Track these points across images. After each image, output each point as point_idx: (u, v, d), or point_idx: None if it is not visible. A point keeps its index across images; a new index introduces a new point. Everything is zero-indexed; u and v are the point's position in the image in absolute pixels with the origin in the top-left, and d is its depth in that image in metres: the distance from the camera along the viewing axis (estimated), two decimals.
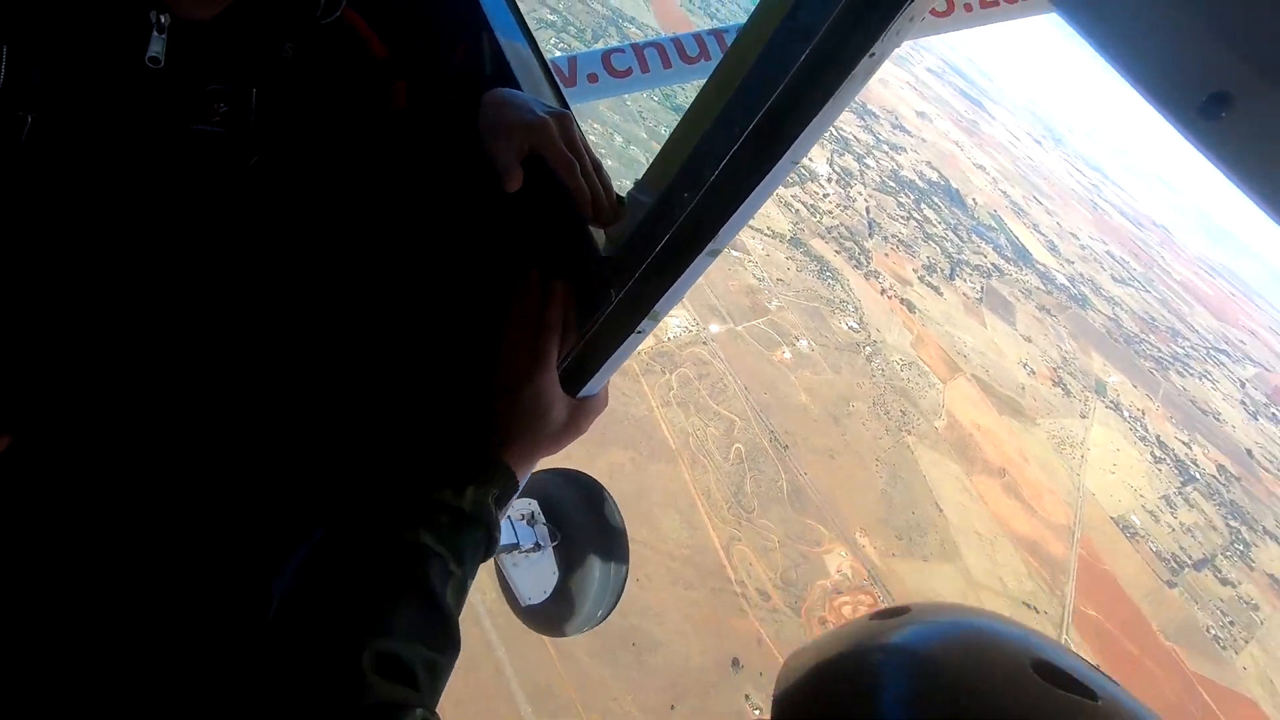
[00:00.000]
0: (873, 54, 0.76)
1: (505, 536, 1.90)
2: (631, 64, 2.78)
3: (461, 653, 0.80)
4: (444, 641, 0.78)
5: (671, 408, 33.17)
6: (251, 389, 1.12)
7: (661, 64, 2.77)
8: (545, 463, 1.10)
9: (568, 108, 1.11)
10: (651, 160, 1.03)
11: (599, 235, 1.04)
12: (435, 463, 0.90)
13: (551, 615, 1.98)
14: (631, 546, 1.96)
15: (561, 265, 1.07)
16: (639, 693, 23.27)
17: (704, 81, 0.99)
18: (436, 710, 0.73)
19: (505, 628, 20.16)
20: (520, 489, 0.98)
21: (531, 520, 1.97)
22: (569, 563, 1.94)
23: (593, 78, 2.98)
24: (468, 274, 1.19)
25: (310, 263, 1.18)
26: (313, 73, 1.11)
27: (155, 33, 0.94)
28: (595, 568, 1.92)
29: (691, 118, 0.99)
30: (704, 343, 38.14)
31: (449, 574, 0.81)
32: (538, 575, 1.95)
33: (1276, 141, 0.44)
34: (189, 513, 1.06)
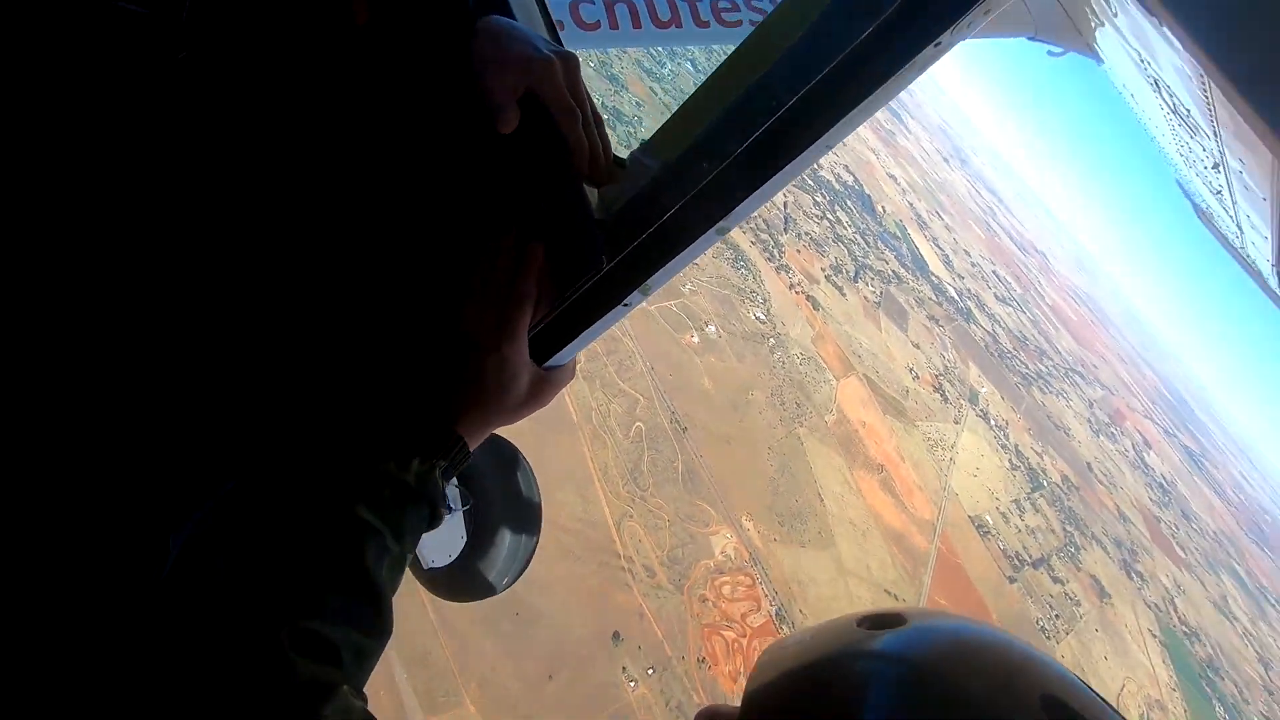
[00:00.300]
0: (939, 43, 0.72)
1: None
2: (600, 18, 2.55)
3: None
4: (374, 625, 0.73)
5: (577, 381, 32.80)
6: (157, 322, 0.92)
7: (631, 23, 2.54)
8: None
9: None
10: (662, 124, 0.95)
11: (591, 196, 0.96)
12: (379, 428, 0.82)
13: (453, 580, 1.90)
14: None
15: (545, 222, 0.95)
16: (518, 662, 23.30)
17: (737, 45, 0.90)
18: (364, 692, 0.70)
19: None
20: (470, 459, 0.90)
21: None
22: (478, 528, 1.85)
23: (559, 25, 2.68)
24: (439, 217, 1.03)
25: (237, 182, 0.96)
26: None
27: None
28: (505, 537, 1.85)
29: (717, 84, 0.89)
30: None
31: (386, 551, 0.76)
32: (444, 538, 1.84)
33: None
34: (82, 453, 0.89)
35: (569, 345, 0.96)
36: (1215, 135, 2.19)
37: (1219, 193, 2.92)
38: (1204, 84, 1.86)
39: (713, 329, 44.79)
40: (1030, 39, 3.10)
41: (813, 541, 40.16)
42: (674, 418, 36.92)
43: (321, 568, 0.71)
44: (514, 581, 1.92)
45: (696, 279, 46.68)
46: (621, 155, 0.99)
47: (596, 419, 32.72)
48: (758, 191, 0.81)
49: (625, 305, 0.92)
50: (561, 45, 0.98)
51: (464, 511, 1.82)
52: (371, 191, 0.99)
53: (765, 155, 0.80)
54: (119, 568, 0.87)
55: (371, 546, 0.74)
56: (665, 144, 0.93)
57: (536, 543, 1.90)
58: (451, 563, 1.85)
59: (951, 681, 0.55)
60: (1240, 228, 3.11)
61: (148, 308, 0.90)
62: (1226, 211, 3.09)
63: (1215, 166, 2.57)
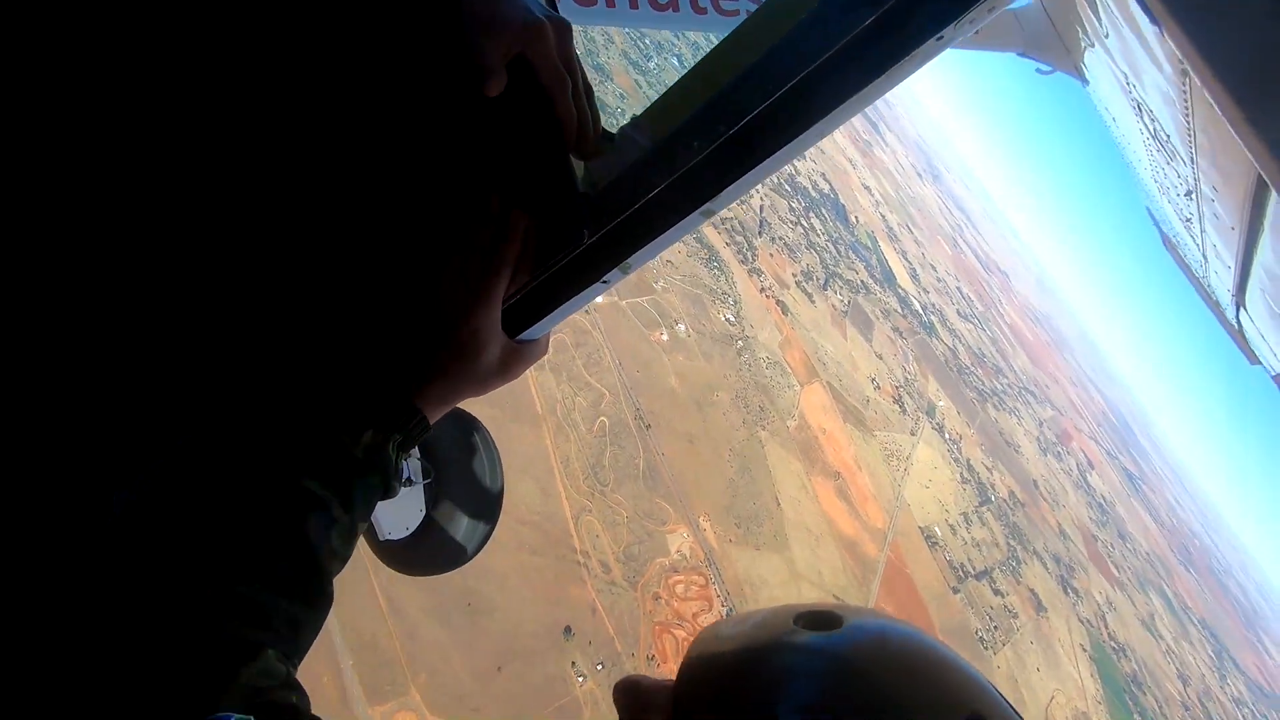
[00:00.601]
0: (941, 37, 0.72)
1: None
2: None
3: None
4: (311, 594, 0.72)
5: (544, 372, 32.78)
6: (112, 271, 0.86)
7: (629, 2, 2.48)
8: None
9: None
10: (654, 100, 0.93)
11: (576, 168, 0.94)
12: (336, 397, 0.81)
13: (409, 554, 1.88)
14: None
15: (526, 191, 0.93)
16: (468, 654, 23.04)
17: (736, 26, 0.88)
18: (296, 664, 0.69)
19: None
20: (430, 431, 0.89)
21: None
22: (437, 504, 1.83)
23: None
24: (417, 179, 0.99)
25: (196, 135, 0.89)
26: None
27: None
28: (464, 516, 1.84)
29: (714, 63, 0.87)
30: (586, 312, 37.94)
31: (333, 521, 0.75)
32: (403, 510, 1.82)
33: None
34: (25, 408, 0.85)
35: (544, 319, 0.94)
36: (1192, 161, 2.23)
37: (1188, 220, 2.99)
38: (1187, 108, 1.88)
39: (682, 328, 44.90)
40: (1020, 55, 3.13)
41: (767, 544, 40.60)
42: (639, 414, 36.92)
43: (259, 536, 0.70)
44: (472, 557, 1.90)
45: (669, 276, 46.74)
46: (611, 131, 0.97)
47: (561, 412, 32.54)
48: (747, 175, 0.80)
49: (604, 282, 0.91)
50: (557, 12, 0.95)
51: (424, 485, 1.80)
52: (342, 149, 0.94)
53: (758, 139, 0.79)
54: (56, 521, 0.83)
55: (315, 517, 0.73)
56: (656, 121, 0.91)
57: (496, 523, 1.90)
58: (407, 536, 1.83)
59: (876, 686, 0.54)
60: (1205, 256, 3.20)
61: (94, 261, 0.83)
62: (1194, 240, 3.17)
63: (1188, 194, 2.63)
